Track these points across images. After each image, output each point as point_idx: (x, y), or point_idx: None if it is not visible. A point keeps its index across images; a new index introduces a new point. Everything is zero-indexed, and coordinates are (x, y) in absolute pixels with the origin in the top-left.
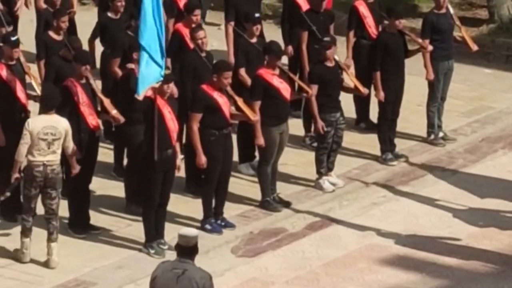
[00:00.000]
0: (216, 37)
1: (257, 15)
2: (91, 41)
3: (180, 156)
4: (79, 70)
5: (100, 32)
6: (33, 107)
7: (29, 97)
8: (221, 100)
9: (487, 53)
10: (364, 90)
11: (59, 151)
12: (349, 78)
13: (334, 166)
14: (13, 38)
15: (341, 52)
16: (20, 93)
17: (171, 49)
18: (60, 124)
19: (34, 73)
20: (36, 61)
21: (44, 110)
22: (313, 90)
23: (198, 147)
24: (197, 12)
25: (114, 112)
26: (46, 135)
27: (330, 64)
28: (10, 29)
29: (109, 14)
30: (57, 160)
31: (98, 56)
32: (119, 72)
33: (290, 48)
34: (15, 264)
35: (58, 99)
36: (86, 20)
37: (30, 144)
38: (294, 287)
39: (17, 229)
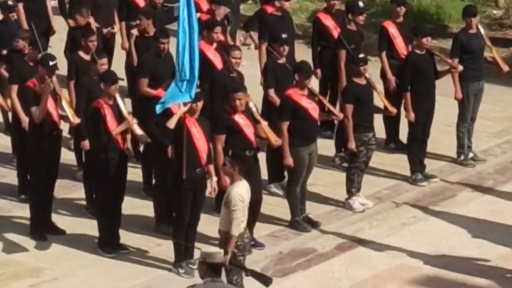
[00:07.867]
0: (245, 57)
1: (284, 36)
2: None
3: (214, 178)
4: (108, 90)
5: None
6: (64, 126)
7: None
8: (243, 122)
9: None
10: (392, 109)
11: None
12: (379, 97)
13: (361, 186)
14: (51, 63)
15: (370, 72)
16: (53, 111)
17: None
18: None
19: (65, 94)
20: (67, 81)
21: None
22: (349, 109)
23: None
24: (218, 29)
25: (139, 133)
26: None
27: (362, 81)
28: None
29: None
30: None
31: None
32: (151, 91)
33: (318, 71)
34: None
35: None
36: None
37: None
38: None
39: (40, 246)
